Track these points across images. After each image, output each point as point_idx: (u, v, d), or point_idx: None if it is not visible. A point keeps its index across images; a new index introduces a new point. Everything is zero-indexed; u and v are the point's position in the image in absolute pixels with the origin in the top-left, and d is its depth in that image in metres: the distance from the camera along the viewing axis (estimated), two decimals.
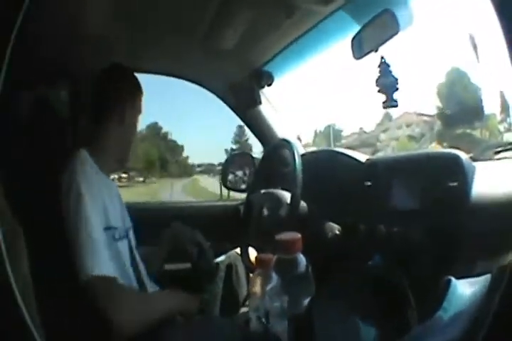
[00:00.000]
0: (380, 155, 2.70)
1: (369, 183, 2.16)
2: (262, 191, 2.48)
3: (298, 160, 2.11)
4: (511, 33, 0.90)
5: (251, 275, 2.53)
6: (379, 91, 1.96)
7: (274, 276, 1.23)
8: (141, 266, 2.03)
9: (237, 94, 3.11)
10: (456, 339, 1.12)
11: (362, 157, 2.36)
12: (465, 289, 1.26)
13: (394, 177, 2.06)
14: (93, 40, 2.23)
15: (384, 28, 1.87)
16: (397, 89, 1.94)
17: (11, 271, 0.93)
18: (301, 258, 1.24)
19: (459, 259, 1.65)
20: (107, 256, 1.67)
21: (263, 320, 1.24)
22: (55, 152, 1.91)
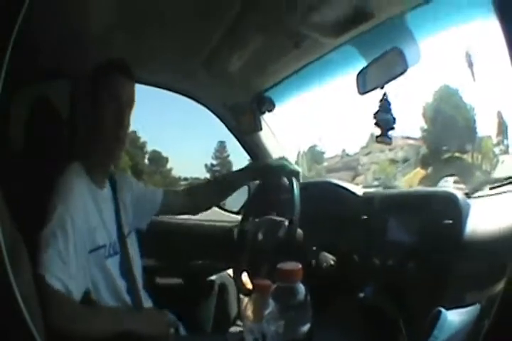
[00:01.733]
0: (378, 190, 2.69)
1: (365, 217, 2.18)
2: (257, 220, 2.50)
3: (296, 187, 2.15)
4: (511, 33, 0.92)
5: (241, 296, 2.54)
6: (376, 124, 2.00)
7: (271, 302, 1.24)
8: (138, 279, 2.01)
9: (237, 117, 3.08)
10: None
11: (358, 190, 2.40)
12: (454, 318, 1.28)
13: (390, 212, 2.09)
14: (96, 48, 2.24)
15: (392, 66, 1.88)
16: (393, 128, 1.98)
17: (13, 274, 0.94)
18: (301, 287, 1.26)
19: (449, 291, 1.66)
20: (76, 275, 1.64)
21: None
22: (51, 158, 1.91)
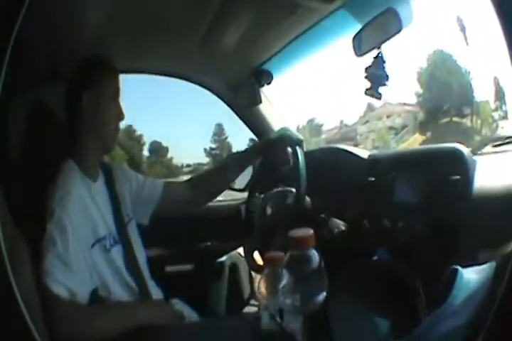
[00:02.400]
0: (382, 150, 2.68)
1: (372, 179, 2.18)
2: (263, 195, 2.51)
3: (301, 156, 2.13)
4: (511, 33, 0.90)
5: (253, 274, 2.53)
6: (366, 77, 2.00)
7: (285, 274, 1.23)
8: (143, 268, 2.00)
9: (237, 93, 3.11)
10: (465, 323, 1.15)
11: (364, 153, 2.38)
12: (471, 276, 1.28)
13: (397, 172, 2.08)
14: (92, 40, 2.23)
15: (386, 27, 1.88)
16: (385, 84, 1.98)
17: (14, 274, 0.93)
18: (314, 254, 1.24)
19: (462, 249, 1.67)
20: (80, 276, 1.66)
21: (277, 317, 1.23)
22: (49, 159, 1.90)
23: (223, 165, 2.54)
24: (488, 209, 1.65)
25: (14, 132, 1.89)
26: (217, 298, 2.51)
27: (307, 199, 2.19)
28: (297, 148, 2.17)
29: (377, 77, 1.98)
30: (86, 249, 1.72)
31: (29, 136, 1.93)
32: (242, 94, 3.07)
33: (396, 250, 1.95)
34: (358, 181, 2.22)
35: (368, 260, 1.97)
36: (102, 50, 2.28)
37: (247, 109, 3.15)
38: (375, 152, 2.43)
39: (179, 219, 2.49)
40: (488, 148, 2.16)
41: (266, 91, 3.11)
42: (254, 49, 2.76)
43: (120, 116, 1.98)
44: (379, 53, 1.98)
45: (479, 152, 2.09)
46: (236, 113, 3.26)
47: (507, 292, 0.95)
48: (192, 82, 3.14)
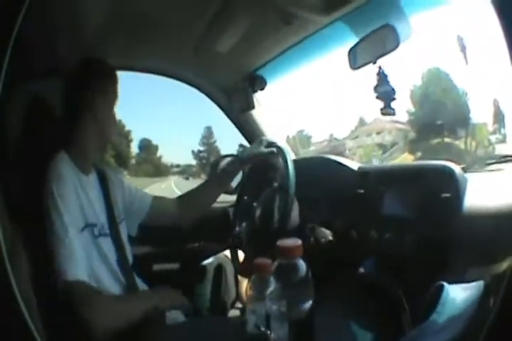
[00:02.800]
0: (373, 164, 2.69)
1: (361, 191, 2.19)
2: (250, 199, 2.53)
3: (291, 167, 2.12)
4: (511, 33, 0.92)
5: (239, 277, 2.55)
6: (377, 97, 2.01)
7: (273, 281, 1.26)
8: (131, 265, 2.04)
9: (231, 97, 3.14)
10: None
11: (354, 164, 2.39)
12: (458, 294, 1.29)
13: (386, 185, 2.09)
14: (91, 39, 2.25)
15: (383, 42, 1.90)
16: (395, 98, 1.99)
17: (12, 273, 0.95)
18: (302, 264, 1.27)
19: (450, 267, 1.66)
20: (81, 257, 1.70)
21: (263, 323, 1.25)
22: (45, 153, 1.91)
23: (210, 182, 2.58)
24: (478, 228, 1.65)
25: (12, 130, 1.91)
26: (202, 300, 2.52)
27: (295, 205, 2.19)
28: (287, 155, 2.18)
29: (386, 93, 2.00)
30: (77, 230, 1.77)
31: (27, 134, 1.94)
32: (236, 98, 3.09)
33: (383, 262, 1.96)
34: (346, 192, 2.23)
35: (354, 271, 1.96)
36: (100, 48, 2.33)
37: (239, 113, 3.16)
38: (365, 165, 2.43)
39: None
40: (481, 166, 2.17)
41: (260, 96, 3.13)
42: (250, 54, 2.78)
43: (114, 122, 2.06)
44: (380, 69, 2.00)
45: (471, 170, 2.09)
46: (228, 116, 3.28)
47: (500, 309, 0.96)
48: (186, 83, 3.17)
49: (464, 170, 1.98)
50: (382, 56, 1.96)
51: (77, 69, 1.99)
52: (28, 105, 1.99)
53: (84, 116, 1.95)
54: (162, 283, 2.10)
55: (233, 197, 2.79)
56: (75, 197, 1.82)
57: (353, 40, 2.11)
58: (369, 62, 2.01)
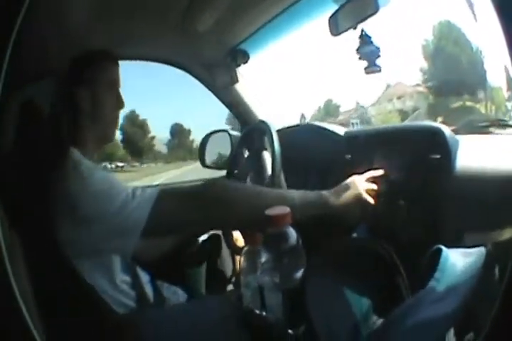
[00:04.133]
0: (361, 128, 2.67)
1: (349, 156, 2.18)
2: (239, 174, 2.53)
3: (276, 141, 2.13)
4: (511, 32, 0.90)
5: (236, 256, 2.55)
6: (360, 58, 2.01)
7: (264, 251, 1.25)
8: None
9: (213, 73, 3.13)
10: (448, 314, 1.11)
11: (341, 130, 2.37)
12: (457, 260, 1.25)
13: (374, 149, 2.07)
14: (70, 31, 2.22)
15: (363, 8, 1.88)
16: (379, 56, 1.99)
17: (12, 271, 0.93)
18: (291, 231, 1.27)
19: (446, 231, 1.66)
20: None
21: (256, 297, 1.25)
22: (44, 154, 1.89)
23: None
24: (473, 190, 1.63)
25: (6, 134, 1.88)
26: (198, 278, 2.51)
27: (282, 177, 2.19)
28: (272, 131, 2.18)
29: (369, 53, 1.99)
30: None
31: (22, 138, 1.92)
32: (219, 75, 3.10)
33: (375, 227, 1.96)
34: (334, 158, 2.23)
35: (346, 237, 1.97)
36: (86, 40, 2.28)
37: (223, 89, 3.18)
38: (352, 129, 2.42)
39: None
40: (475, 128, 2.12)
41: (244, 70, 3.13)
42: (231, 30, 2.76)
43: (120, 105, 1.99)
44: (362, 32, 1.99)
45: (464, 132, 2.03)
46: (215, 94, 3.29)
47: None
48: (171, 65, 3.16)
49: (457, 131, 1.95)
50: (361, 21, 1.94)
51: (71, 62, 1.93)
52: (21, 109, 1.97)
53: (85, 109, 1.90)
54: (158, 264, 2.08)
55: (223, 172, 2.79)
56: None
57: (333, 8, 2.08)
58: (349, 28, 2.00)
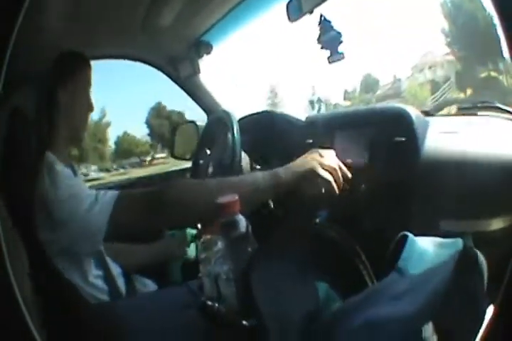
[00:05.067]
0: (322, 112, 2.66)
1: (310, 141, 2.15)
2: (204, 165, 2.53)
3: (236, 130, 2.15)
4: (511, 31, 0.88)
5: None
6: (322, 48, 1.96)
7: (220, 239, 1.26)
8: None
9: (176, 65, 3.17)
10: (408, 316, 0.94)
11: (301, 116, 2.38)
12: (427, 249, 1.15)
13: (336, 133, 2.04)
14: (46, 32, 2.22)
15: None
16: (341, 41, 1.94)
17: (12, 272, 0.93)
18: (241, 219, 1.26)
19: (416, 218, 1.60)
20: None
21: (213, 286, 1.25)
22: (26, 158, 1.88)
23: None
24: (446, 175, 1.56)
25: None
26: (175, 271, 2.52)
27: (246, 162, 2.20)
28: (233, 120, 2.20)
29: (330, 40, 1.95)
30: None
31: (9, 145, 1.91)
32: (182, 66, 3.15)
33: (336, 214, 1.91)
34: (296, 143, 2.20)
35: (308, 224, 1.93)
36: (56, 38, 2.28)
37: (186, 80, 3.23)
38: (314, 114, 2.46)
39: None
40: (450, 110, 2.08)
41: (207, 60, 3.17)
42: (193, 22, 2.77)
43: (90, 108, 2.01)
44: (321, 17, 1.96)
45: (439, 113, 2.03)
46: (180, 86, 3.33)
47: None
48: (137, 60, 3.19)
49: (429, 113, 1.96)
50: (318, 5, 1.92)
51: (50, 64, 1.92)
52: (8, 117, 1.96)
53: (62, 110, 1.89)
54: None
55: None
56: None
57: None
58: (306, 13, 1.97)
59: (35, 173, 1.67)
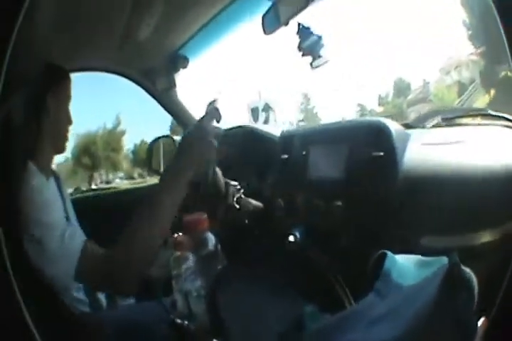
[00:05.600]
0: (298, 128, 2.63)
1: (285, 156, 2.13)
2: None
3: None
4: (511, 32, 0.90)
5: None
6: (303, 55, 1.96)
7: (191, 257, 1.26)
8: None
9: (154, 79, 3.20)
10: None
11: (276, 130, 2.36)
12: (408, 269, 1.10)
13: (311, 148, 2.01)
14: (35, 43, 2.23)
15: (294, 3, 1.86)
16: (323, 45, 1.94)
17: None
18: (210, 237, 1.28)
19: (395, 235, 1.55)
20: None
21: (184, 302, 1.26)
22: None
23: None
24: (426, 189, 1.53)
25: None
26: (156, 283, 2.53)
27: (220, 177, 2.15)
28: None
29: (311, 46, 1.95)
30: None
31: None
32: (158, 80, 3.18)
33: (314, 231, 1.87)
34: (271, 159, 2.20)
35: (283, 242, 1.92)
36: (42, 50, 2.29)
37: (162, 93, 3.27)
38: (289, 129, 2.36)
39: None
40: (435, 121, 1.98)
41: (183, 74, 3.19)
42: (169, 35, 2.80)
43: (70, 121, 2.01)
44: (299, 26, 1.96)
45: (420, 125, 1.99)
46: (155, 99, 3.36)
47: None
48: (113, 73, 3.21)
49: (411, 126, 1.94)
50: (293, 17, 1.91)
51: (38, 74, 1.94)
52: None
53: (46, 120, 1.89)
54: None
55: None
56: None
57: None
58: (281, 26, 1.97)
59: (16, 181, 1.64)
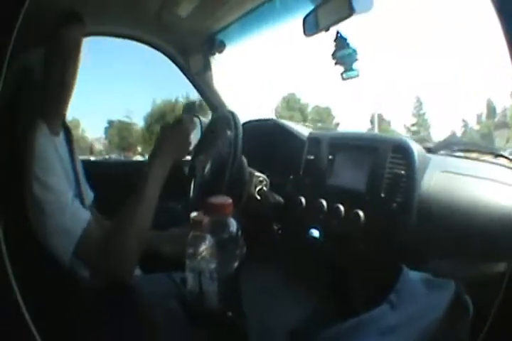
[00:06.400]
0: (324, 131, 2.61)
1: (311, 157, 2.17)
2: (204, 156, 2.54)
3: (239, 129, 2.14)
4: (511, 33, 0.90)
5: None
6: (336, 63, 2.01)
7: (209, 237, 1.29)
8: None
9: (189, 59, 3.20)
10: None
11: (304, 130, 2.40)
12: (419, 287, 1.16)
13: (337, 154, 2.06)
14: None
15: (337, 11, 1.86)
16: (357, 59, 1.98)
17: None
18: (232, 222, 1.30)
19: (407, 250, 1.62)
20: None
21: (196, 281, 1.29)
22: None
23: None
24: (442, 215, 1.58)
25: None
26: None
27: (244, 163, 2.20)
28: (237, 120, 2.20)
29: (345, 57, 1.99)
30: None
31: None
32: (194, 61, 3.17)
33: (329, 233, 1.96)
34: (296, 157, 2.24)
35: (302, 238, 1.99)
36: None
37: (196, 74, 3.26)
38: (317, 131, 2.40)
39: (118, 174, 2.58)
40: (452, 150, 2.04)
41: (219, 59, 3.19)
42: (209, 18, 2.82)
43: (76, 74, 1.92)
44: (337, 34, 1.99)
45: (442, 152, 2.00)
46: (189, 79, 3.36)
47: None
48: (150, 46, 3.22)
49: (432, 150, 1.95)
50: (334, 24, 1.93)
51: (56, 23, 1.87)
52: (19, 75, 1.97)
53: (50, 71, 1.85)
54: None
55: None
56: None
57: (310, 8, 2.09)
58: (321, 31, 1.99)
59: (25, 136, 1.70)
